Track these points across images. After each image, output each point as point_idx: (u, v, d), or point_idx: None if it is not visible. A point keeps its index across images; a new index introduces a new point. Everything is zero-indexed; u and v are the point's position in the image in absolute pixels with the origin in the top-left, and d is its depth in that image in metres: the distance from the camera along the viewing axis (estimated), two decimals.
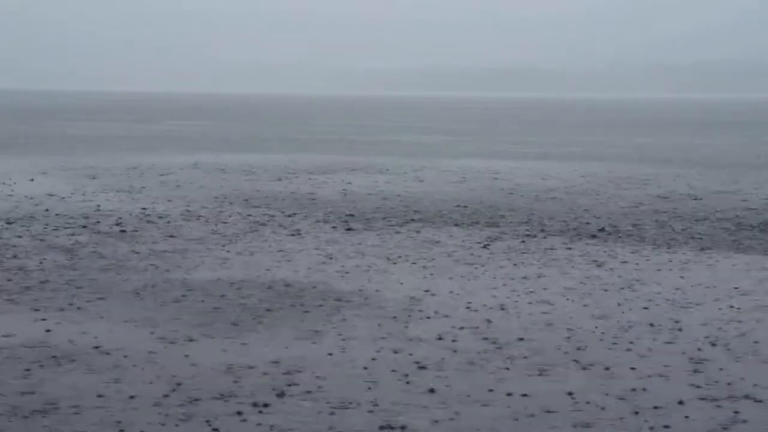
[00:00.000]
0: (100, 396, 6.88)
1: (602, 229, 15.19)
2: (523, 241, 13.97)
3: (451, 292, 10.51)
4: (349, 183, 21.86)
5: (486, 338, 8.60)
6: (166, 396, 6.90)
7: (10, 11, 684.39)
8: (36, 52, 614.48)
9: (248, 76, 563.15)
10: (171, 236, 14.05)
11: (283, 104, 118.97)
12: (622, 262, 12.41)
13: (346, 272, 11.54)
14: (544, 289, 10.74)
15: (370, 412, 6.63)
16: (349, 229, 14.89)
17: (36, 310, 9.48)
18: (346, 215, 16.50)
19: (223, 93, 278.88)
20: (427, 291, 10.53)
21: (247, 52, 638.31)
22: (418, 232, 14.77)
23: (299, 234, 14.43)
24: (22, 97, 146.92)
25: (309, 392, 7.01)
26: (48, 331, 8.70)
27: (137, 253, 12.63)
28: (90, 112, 77.53)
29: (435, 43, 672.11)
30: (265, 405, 6.72)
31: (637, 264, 12.32)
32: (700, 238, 14.52)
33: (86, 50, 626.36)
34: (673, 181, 23.11)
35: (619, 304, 10.04)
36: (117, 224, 15.12)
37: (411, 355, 8.02)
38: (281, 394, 6.95)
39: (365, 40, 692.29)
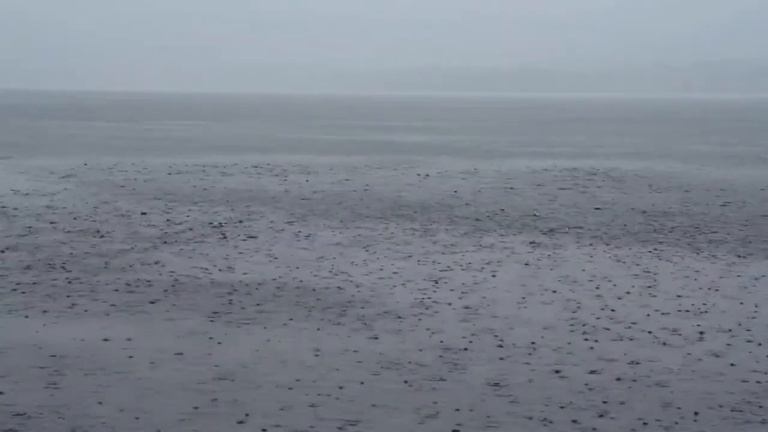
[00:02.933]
0: None
1: None
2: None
3: None
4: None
5: None
6: None
7: (10, 11, 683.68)
8: (36, 52, 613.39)
9: (248, 76, 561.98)
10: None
11: (283, 104, 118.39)
12: None
13: None
14: None
15: None
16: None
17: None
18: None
19: (223, 93, 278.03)
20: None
21: (247, 52, 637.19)
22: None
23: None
24: (22, 97, 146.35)
25: None
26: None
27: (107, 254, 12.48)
28: (88, 111, 76.97)
29: (435, 43, 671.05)
30: None
31: None
32: None
33: (86, 50, 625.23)
34: None
35: None
36: (89, 225, 14.86)
37: None
38: None
39: (365, 40, 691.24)
